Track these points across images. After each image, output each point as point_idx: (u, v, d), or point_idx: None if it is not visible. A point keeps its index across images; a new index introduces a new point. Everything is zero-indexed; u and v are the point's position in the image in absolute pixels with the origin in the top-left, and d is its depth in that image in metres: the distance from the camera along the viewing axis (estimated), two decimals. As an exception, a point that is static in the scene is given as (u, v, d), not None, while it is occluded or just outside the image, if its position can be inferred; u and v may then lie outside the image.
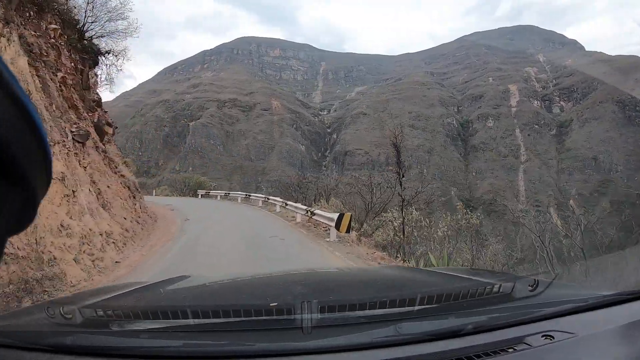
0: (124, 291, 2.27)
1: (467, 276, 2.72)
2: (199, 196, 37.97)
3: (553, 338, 1.49)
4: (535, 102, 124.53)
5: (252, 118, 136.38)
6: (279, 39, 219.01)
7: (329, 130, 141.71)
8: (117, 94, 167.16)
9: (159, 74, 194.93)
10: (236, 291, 2.53)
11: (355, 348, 1.46)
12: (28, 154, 0.76)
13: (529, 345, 1.46)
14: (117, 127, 24.09)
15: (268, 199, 25.93)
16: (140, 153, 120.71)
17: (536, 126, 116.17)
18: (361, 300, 1.76)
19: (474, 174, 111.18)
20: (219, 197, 35.67)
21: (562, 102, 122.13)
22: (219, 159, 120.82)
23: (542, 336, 1.50)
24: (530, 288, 1.89)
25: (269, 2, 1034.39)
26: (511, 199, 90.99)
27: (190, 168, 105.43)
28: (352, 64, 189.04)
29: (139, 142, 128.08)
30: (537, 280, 1.93)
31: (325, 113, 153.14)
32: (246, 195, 31.26)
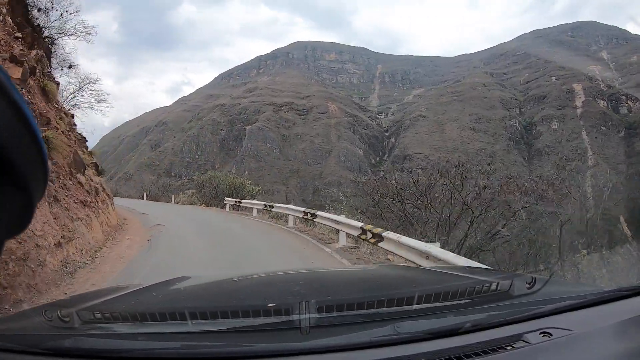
0: (122, 293, 2.46)
1: (465, 274, 2.85)
2: (226, 207, 27.78)
3: (551, 335, 1.53)
4: (602, 102, 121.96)
5: (308, 121, 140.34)
6: (334, 42, 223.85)
7: (386, 134, 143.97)
8: (175, 99, 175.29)
9: (216, 79, 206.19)
10: (234, 292, 2.66)
11: (353, 347, 1.51)
12: (26, 157, 0.79)
13: (527, 342, 1.51)
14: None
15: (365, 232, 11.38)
16: (196, 156, 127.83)
17: (603, 128, 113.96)
18: (359, 299, 1.88)
19: (538, 179, 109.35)
20: (255, 211, 23.46)
21: (629, 102, 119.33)
22: (275, 162, 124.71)
23: (540, 333, 1.55)
24: (527, 286, 1.98)
25: (325, 8, 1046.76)
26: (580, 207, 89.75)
27: (246, 171, 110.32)
28: (408, 66, 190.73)
29: (195, 146, 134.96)
30: (535, 278, 2.03)
31: (382, 116, 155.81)
32: (305, 213, 16.51)
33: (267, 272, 3.67)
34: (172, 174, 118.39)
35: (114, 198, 30.13)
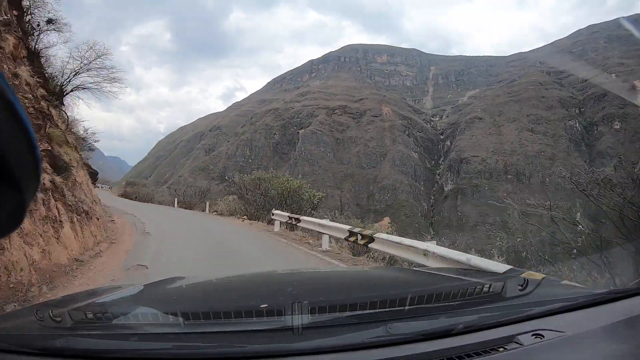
0: (114, 293, 2.52)
1: (458, 276, 2.92)
2: (275, 225, 18.53)
3: (543, 337, 1.56)
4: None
5: (362, 125, 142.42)
6: (385, 44, 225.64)
7: (441, 137, 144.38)
8: (228, 104, 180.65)
9: (268, 84, 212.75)
10: (227, 292, 2.70)
11: (346, 349, 1.52)
12: (19, 157, 0.80)
13: (519, 344, 1.53)
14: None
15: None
16: (250, 160, 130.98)
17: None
18: (352, 300, 1.89)
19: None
20: (326, 239, 13.72)
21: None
22: (329, 166, 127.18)
23: (533, 335, 1.58)
24: (520, 287, 2.01)
25: (373, 11, 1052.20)
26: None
27: (300, 175, 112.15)
28: (461, 67, 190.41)
29: (248, 150, 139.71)
30: (527, 280, 2.07)
31: (437, 119, 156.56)
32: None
33: (260, 273, 3.99)
34: (226, 178, 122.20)
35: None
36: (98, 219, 13.36)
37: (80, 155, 17.20)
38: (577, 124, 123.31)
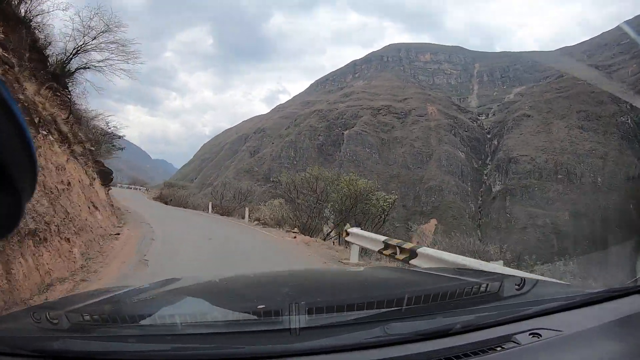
0: (112, 295, 2.54)
1: (455, 276, 2.95)
2: (357, 254, 11.90)
3: (540, 336, 1.59)
4: None
5: (407, 125, 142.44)
6: (428, 43, 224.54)
7: (488, 136, 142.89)
8: (272, 107, 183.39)
9: (311, 86, 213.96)
10: (225, 293, 2.74)
11: (344, 349, 1.54)
12: (15, 159, 0.80)
13: (517, 343, 1.55)
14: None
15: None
16: (294, 162, 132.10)
17: None
18: (349, 301, 1.90)
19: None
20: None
21: None
22: (375, 167, 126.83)
23: (530, 334, 1.60)
24: (517, 287, 2.05)
25: (413, 10, 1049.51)
26: None
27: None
28: (506, 63, 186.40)
29: (293, 151, 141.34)
30: (524, 279, 2.11)
31: (483, 117, 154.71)
32: None
33: (257, 274, 4.03)
34: (271, 179, 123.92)
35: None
36: (80, 234, 9.90)
37: (85, 149, 15.60)
38: (629, 120, 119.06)
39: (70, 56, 19.28)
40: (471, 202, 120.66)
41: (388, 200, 21.01)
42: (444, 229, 78.84)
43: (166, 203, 44.25)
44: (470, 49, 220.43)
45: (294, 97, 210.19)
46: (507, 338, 1.59)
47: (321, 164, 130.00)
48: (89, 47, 19.55)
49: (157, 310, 2.13)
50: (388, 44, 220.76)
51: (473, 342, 1.59)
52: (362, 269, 7.37)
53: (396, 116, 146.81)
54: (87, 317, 1.88)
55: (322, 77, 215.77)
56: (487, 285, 2.18)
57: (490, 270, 5.23)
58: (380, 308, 1.86)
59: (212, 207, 35.28)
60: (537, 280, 2.23)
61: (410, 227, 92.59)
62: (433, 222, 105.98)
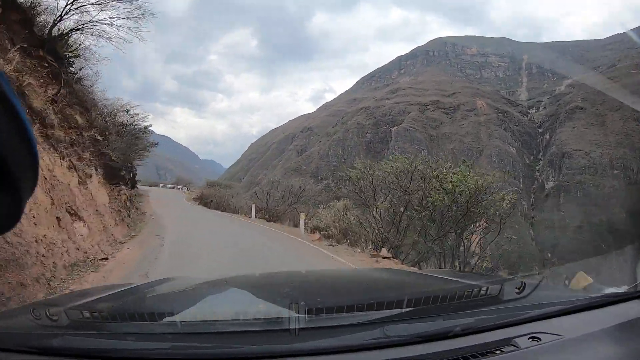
0: (112, 292, 2.54)
1: (455, 278, 2.97)
2: None
3: (540, 340, 1.60)
4: None
5: (456, 120, 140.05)
6: (474, 36, 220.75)
7: (540, 130, 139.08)
8: (318, 106, 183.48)
9: (357, 83, 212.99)
10: (225, 293, 2.79)
11: (342, 350, 1.55)
12: (16, 156, 0.80)
13: (516, 347, 1.57)
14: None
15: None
16: (342, 160, 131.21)
17: None
18: (349, 302, 1.95)
19: None
20: None
21: None
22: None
23: (529, 338, 1.61)
24: (517, 290, 2.07)
25: (457, 3, 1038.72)
26: None
27: None
28: (555, 54, 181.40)
29: (341, 149, 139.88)
30: (524, 283, 2.13)
31: (534, 111, 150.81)
32: None
33: (257, 274, 4.02)
34: (319, 178, 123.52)
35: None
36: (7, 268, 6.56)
37: (83, 137, 13.22)
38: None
39: (62, 14, 14.08)
40: (523, 200, 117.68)
41: (507, 199, 16.05)
42: (494, 228, 76.00)
43: (206, 205, 40.95)
44: (517, 40, 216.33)
45: (339, 95, 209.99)
46: (507, 341, 1.60)
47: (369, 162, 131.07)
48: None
49: (157, 308, 2.11)
50: (432, 38, 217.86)
51: (472, 345, 1.59)
52: (362, 269, 7.43)
53: (444, 111, 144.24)
54: (87, 315, 1.88)
55: (367, 74, 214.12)
56: (488, 288, 2.21)
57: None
58: (380, 310, 1.86)
59: (255, 210, 29.72)
60: (538, 284, 2.23)
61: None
62: (483, 221, 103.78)
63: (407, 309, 1.87)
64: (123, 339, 1.68)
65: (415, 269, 7.24)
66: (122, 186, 19.73)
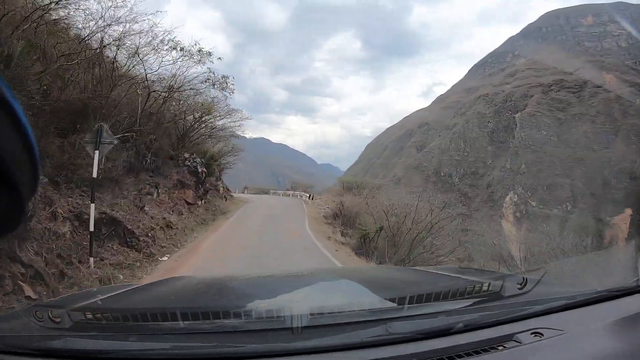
0: (114, 293, 2.58)
1: (457, 275, 3.02)
2: None
3: (542, 335, 1.62)
4: None
5: (584, 99, 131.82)
6: (586, 4, 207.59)
7: None
8: (428, 101, 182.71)
9: (469, 72, 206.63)
10: (227, 292, 2.83)
11: (345, 348, 1.57)
12: (13, 155, 0.78)
13: (518, 342, 1.58)
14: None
15: None
16: (465, 153, 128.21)
17: None
18: (351, 300, 2.08)
19: None
20: None
21: None
22: (554, 151, 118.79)
23: (532, 333, 1.63)
24: (519, 286, 2.10)
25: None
26: None
27: (523, 165, 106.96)
28: None
29: (462, 142, 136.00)
30: (526, 278, 2.15)
31: None
32: None
33: (259, 274, 4.04)
34: (442, 174, 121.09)
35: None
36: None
37: None
38: None
39: None
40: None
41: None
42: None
43: (364, 242, 20.51)
44: (633, 2, 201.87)
45: (452, 86, 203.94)
46: (509, 337, 1.62)
47: (494, 153, 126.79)
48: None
49: (160, 308, 2.11)
50: (544, 12, 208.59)
51: (475, 341, 1.61)
52: (364, 268, 6.87)
53: (570, 91, 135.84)
54: (90, 316, 1.92)
55: (479, 62, 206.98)
56: (489, 284, 2.23)
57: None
58: (382, 307, 1.96)
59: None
60: (539, 280, 2.25)
61: (602, 219, 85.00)
62: (628, 212, 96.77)
63: (410, 306, 1.89)
64: (125, 339, 1.70)
65: (418, 267, 7.45)
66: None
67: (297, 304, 1.97)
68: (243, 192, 55.96)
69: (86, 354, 1.56)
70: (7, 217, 0.86)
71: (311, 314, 1.78)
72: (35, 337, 1.70)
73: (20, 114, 0.77)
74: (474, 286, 2.23)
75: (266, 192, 62.32)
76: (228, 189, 36.71)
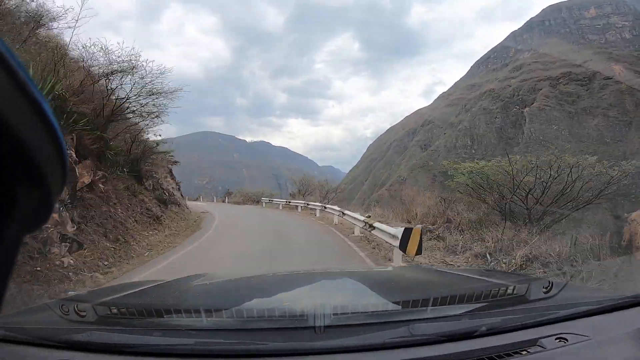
0: (138, 289, 2.57)
1: (481, 277, 2.92)
2: None
3: (567, 341, 1.57)
4: None
5: (594, 91, 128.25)
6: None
7: None
8: (429, 100, 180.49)
9: (472, 68, 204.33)
10: (250, 290, 2.74)
11: (367, 349, 1.56)
12: (41, 149, 0.77)
13: (542, 347, 1.55)
14: None
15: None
16: (473, 150, 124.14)
17: None
18: (374, 300, 2.00)
19: None
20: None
21: None
22: (565, 146, 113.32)
23: (556, 339, 1.59)
24: (544, 290, 2.03)
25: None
26: None
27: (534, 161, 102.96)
28: None
29: (469, 139, 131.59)
30: (552, 282, 2.08)
31: None
32: None
33: (283, 272, 3.67)
34: (449, 174, 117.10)
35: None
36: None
37: None
38: None
39: None
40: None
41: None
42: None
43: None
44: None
45: (455, 83, 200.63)
46: (533, 342, 1.60)
47: (503, 149, 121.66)
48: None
49: (183, 304, 2.19)
50: (545, 6, 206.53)
51: (498, 345, 1.59)
52: (389, 268, 7.09)
53: (579, 83, 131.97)
54: (115, 310, 1.95)
55: (481, 57, 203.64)
56: (514, 287, 2.21)
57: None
58: (406, 308, 1.95)
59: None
60: (565, 284, 2.26)
61: (619, 216, 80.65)
62: None
63: (433, 308, 1.89)
64: (149, 334, 1.72)
65: (442, 268, 7.14)
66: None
67: (320, 303, 1.94)
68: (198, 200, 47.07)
69: (111, 348, 1.58)
70: (37, 213, 0.86)
71: (334, 314, 1.78)
72: (61, 330, 1.72)
73: (49, 113, 0.75)
74: (499, 289, 2.23)
75: (257, 202, 41.60)
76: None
